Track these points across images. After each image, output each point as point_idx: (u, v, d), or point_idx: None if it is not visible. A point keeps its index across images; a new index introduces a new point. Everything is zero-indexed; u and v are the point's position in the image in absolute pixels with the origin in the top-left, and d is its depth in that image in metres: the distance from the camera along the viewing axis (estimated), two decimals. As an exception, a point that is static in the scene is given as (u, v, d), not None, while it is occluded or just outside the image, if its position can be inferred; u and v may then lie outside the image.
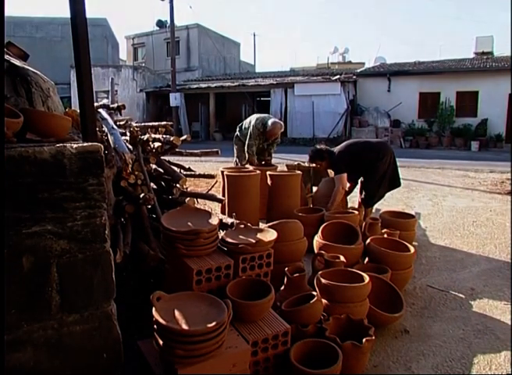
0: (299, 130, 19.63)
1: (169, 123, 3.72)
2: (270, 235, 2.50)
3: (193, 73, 28.75)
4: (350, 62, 31.58)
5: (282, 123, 5.68)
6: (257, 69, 35.88)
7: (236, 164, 5.79)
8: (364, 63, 28.21)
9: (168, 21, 22.36)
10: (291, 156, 12.53)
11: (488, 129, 16.99)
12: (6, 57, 2.45)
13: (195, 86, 22.98)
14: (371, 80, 19.56)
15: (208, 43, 29.50)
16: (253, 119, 5.62)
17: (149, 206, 2.94)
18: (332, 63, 31.22)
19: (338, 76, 19.31)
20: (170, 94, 21.16)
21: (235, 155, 5.87)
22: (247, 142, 5.49)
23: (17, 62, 2.41)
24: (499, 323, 2.68)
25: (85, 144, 1.71)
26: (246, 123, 5.71)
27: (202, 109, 23.09)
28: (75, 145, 1.67)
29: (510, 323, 2.69)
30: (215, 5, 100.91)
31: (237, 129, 5.84)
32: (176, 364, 1.75)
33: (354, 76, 19.59)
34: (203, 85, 22.82)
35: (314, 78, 20.21)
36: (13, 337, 1.63)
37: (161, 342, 1.79)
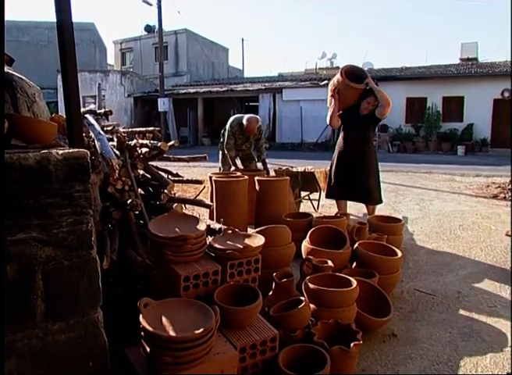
0: (287, 135, 19.73)
1: (157, 128, 3.71)
2: (258, 240, 2.50)
3: (182, 78, 28.74)
4: (338, 68, 31.49)
5: (257, 117, 5.70)
6: (246, 74, 35.99)
7: (220, 170, 5.81)
8: (351, 68, 28.37)
9: (157, 26, 22.35)
10: (280, 161, 12.58)
11: (473, 133, 17.24)
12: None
13: (183, 91, 22.97)
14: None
15: (196, 48, 29.53)
16: (229, 121, 5.68)
17: (136, 212, 2.92)
18: (320, 68, 31.34)
19: (326, 82, 19.40)
20: (158, 100, 21.11)
21: (219, 160, 5.90)
22: (224, 142, 5.56)
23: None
24: (485, 326, 2.71)
25: (71, 150, 1.70)
26: (224, 130, 5.77)
27: (190, 114, 23.09)
28: (61, 151, 1.66)
29: (496, 325, 2.72)
30: (204, 10, 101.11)
31: (221, 135, 5.87)
32: (163, 371, 1.74)
33: (342, 82, 19.73)
34: (191, 90, 22.83)
35: (303, 83, 20.34)
36: (-3, 346, 1.60)
37: (148, 349, 1.78)
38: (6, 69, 2.50)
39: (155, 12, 20.68)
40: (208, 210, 4.55)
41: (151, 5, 20.43)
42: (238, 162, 5.90)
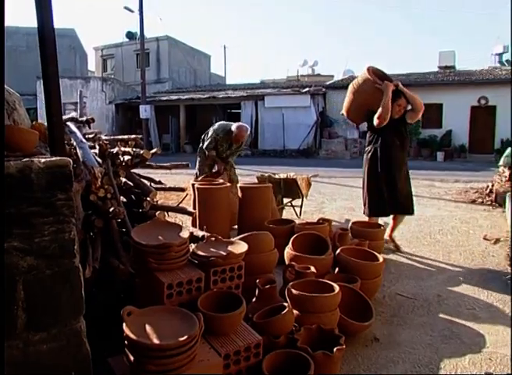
0: (269, 141, 19.82)
1: (139, 136, 3.71)
2: (241, 247, 2.52)
3: (164, 84, 28.67)
4: (319, 75, 32.06)
5: (247, 126, 5.72)
6: (228, 81, 36.07)
7: (196, 176, 5.70)
8: (333, 76, 28.71)
9: (138, 32, 22.28)
10: (262, 168, 12.63)
11: (452, 140, 17.61)
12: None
13: (165, 98, 22.92)
14: (340, 93, 19.89)
15: (178, 55, 29.52)
16: (211, 130, 5.65)
17: (119, 220, 2.91)
18: (301, 76, 31.64)
19: (308, 89, 19.64)
20: (140, 106, 21.01)
21: (196, 167, 5.81)
22: (205, 145, 5.53)
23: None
24: (464, 328, 2.77)
25: (53, 158, 1.70)
26: (206, 134, 5.72)
27: (172, 121, 23.02)
28: (43, 160, 1.66)
29: (474, 327, 2.78)
30: (186, 17, 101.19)
31: (201, 144, 5.80)
32: (147, 380, 1.73)
33: (324, 89, 19.99)
34: (173, 97, 22.78)
35: (284, 90, 20.50)
36: (-23, 358, 1.58)
37: (132, 358, 1.77)
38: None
39: (137, 19, 20.63)
40: (191, 217, 4.55)
41: (132, 11, 20.39)
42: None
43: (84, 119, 3.50)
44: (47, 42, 2.11)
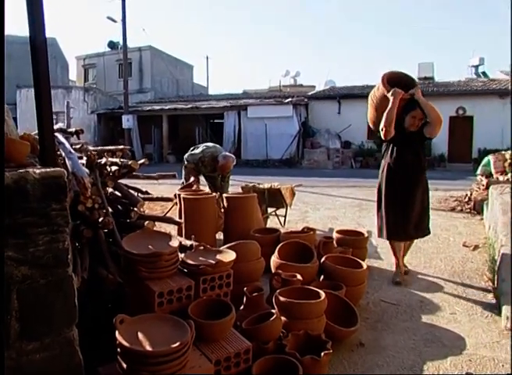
0: (252, 151, 19.92)
1: (127, 147, 3.75)
2: (229, 256, 2.57)
3: (146, 94, 28.64)
4: (301, 85, 32.44)
5: (233, 156, 5.82)
6: (210, 91, 36.22)
7: (183, 184, 5.80)
8: (314, 86, 29.09)
9: (121, 42, 22.28)
10: (245, 178, 12.67)
11: (432, 149, 17.96)
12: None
13: (148, 108, 22.89)
14: (321, 103, 20.28)
15: (160, 65, 29.54)
16: (203, 146, 5.77)
17: (107, 230, 2.93)
18: (283, 86, 31.95)
19: (290, 99, 19.85)
20: (123, 116, 20.95)
21: (183, 177, 5.89)
22: (187, 156, 5.69)
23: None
24: (445, 332, 2.86)
25: (48, 169, 1.73)
26: (197, 148, 5.83)
27: (155, 131, 22.97)
28: (38, 171, 1.69)
29: (455, 331, 2.88)
30: (168, 27, 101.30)
31: (188, 152, 5.90)
32: (140, 386, 1.76)
33: (306, 99, 20.25)
34: (156, 107, 22.76)
35: (267, 101, 20.67)
36: (-30, 368, 1.59)
37: (124, 365, 1.81)
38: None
39: (119, 28, 20.65)
40: (176, 227, 4.58)
41: (115, 21, 20.41)
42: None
43: (73, 130, 3.52)
44: (39, 56, 2.14)
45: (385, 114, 3.64)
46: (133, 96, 25.34)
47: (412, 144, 3.78)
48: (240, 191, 5.98)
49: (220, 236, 4.74)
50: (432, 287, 3.73)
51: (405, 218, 3.78)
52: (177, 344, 1.79)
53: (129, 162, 3.15)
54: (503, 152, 7.62)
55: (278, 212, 6.17)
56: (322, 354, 2.20)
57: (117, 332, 1.84)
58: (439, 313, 3.17)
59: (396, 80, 3.78)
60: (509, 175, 6.77)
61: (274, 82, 34.24)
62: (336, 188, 11.16)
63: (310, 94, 21.63)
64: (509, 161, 7.05)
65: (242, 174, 14.13)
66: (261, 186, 6.19)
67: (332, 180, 13.14)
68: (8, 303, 1.65)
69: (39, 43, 2.14)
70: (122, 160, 3.29)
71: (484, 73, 26.43)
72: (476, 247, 4.80)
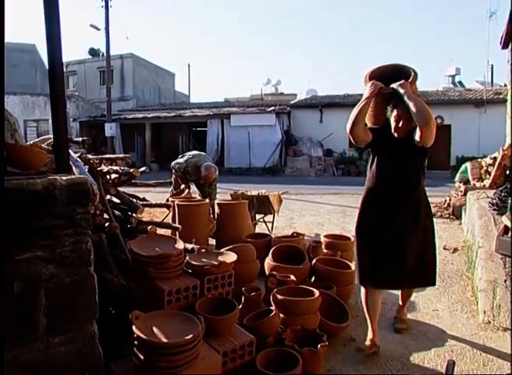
0: (236, 160, 20.10)
1: (128, 155, 3.90)
2: (230, 257, 2.75)
3: (128, 102, 28.60)
4: (282, 94, 32.85)
5: (216, 166, 6.02)
6: (192, 99, 36.33)
7: (172, 193, 5.99)
8: (296, 95, 29.49)
9: (102, 49, 22.30)
10: (229, 186, 12.83)
11: (410, 157, 18.45)
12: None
13: (131, 116, 22.89)
14: (304, 112, 20.64)
15: (142, 73, 29.57)
16: (188, 155, 5.99)
17: (115, 234, 3.07)
18: (265, 94, 32.31)
19: (273, 108, 20.13)
20: (105, 124, 20.91)
21: (172, 185, 6.09)
22: (174, 165, 5.91)
23: None
24: (429, 327, 3.10)
25: (74, 176, 1.90)
26: (183, 156, 6.04)
27: (138, 140, 22.99)
28: (64, 177, 1.85)
29: (438, 325, 3.12)
30: (149, 35, 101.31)
31: (175, 160, 6.11)
32: (156, 375, 1.92)
33: (288, 108, 20.57)
34: (139, 115, 22.79)
35: (250, 109, 20.92)
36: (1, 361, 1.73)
37: (142, 357, 1.96)
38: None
39: (100, 35, 20.74)
40: (170, 232, 4.73)
41: (98, 29, 20.44)
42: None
43: (80, 139, 3.66)
44: (56, 72, 2.30)
45: (353, 110, 2.77)
46: (114, 104, 25.29)
47: (402, 157, 2.76)
48: (229, 198, 6.16)
49: (211, 241, 4.91)
50: (415, 287, 3.96)
51: (393, 264, 2.76)
52: (190, 336, 1.95)
53: (131, 170, 3.31)
54: (480, 160, 7.98)
55: (265, 218, 6.37)
56: (319, 346, 2.39)
57: (134, 326, 2.00)
58: (423, 310, 3.41)
59: (393, 70, 2.88)
60: (485, 181, 7.12)
61: (255, 90, 34.61)
62: (320, 195, 11.42)
63: (292, 102, 21.99)
64: (485, 168, 7.40)
65: (226, 182, 14.29)
66: (249, 193, 6.38)
67: (315, 187, 13.40)
68: (37, 300, 1.80)
69: (56, 63, 2.30)
70: (123, 168, 3.44)
71: (460, 83, 27.31)
72: (455, 250, 5.07)
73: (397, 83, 2.69)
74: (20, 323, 1.76)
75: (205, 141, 20.91)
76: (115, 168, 3.44)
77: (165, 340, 1.94)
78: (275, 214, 6.33)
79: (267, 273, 3.49)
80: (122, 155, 3.76)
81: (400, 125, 2.74)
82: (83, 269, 1.91)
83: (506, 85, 14.85)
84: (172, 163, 5.97)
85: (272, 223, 6.35)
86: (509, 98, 8.93)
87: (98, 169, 3.36)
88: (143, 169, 3.57)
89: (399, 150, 2.79)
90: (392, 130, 2.79)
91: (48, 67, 2.29)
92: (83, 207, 1.89)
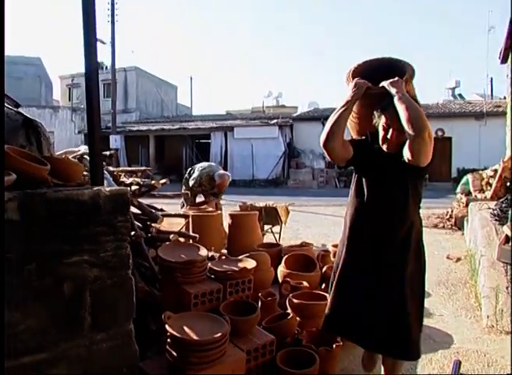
0: (239, 172, 20.32)
1: (148, 167, 4.10)
2: (250, 264, 2.94)
3: (131, 114, 28.97)
4: (283, 106, 33.19)
5: (228, 173, 6.23)
6: (194, 112, 36.72)
7: (183, 205, 6.17)
8: (297, 107, 29.83)
9: (105, 62, 22.68)
10: (233, 197, 13.02)
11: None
12: (14, 107, 2.76)
13: (135, 128, 23.23)
14: (306, 124, 20.92)
15: (145, 85, 29.98)
16: (199, 167, 6.18)
17: (140, 241, 3.26)
18: (267, 107, 32.68)
19: (276, 121, 20.44)
20: (110, 137, 21.21)
21: (182, 197, 6.28)
22: (191, 184, 6.01)
23: (29, 115, 2.73)
24: (435, 330, 3.27)
25: (116, 187, 2.10)
26: (194, 168, 6.23)
27: (142, 152, 23.27)
28: (108, 188, 2.05)
29: (443, 329, 3.29)
30: (152, 48, 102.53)
31: (187, 172, 6.31)
32: (189, 371, 2.10)
33: (291, 121, 20.86)
34: (143, 128, 23.12)
35: (253, 122, 21.25)
36: (52, 355, 1.90)
37: (175, 354, 2.14)
38: (30, 116, 2.84)
39: (103, 49, 21.09)
40: (183, 241, 4.92)
41: (104, 43, 20.86)
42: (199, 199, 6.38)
43: (107, 153, 3.87)
44: (92, 88, 2.50)
45: (330, 118, 2.24)
46: (118, 116, 25.60)
47: (388, 180, 2.17)
48: (237, 209, 6.35)
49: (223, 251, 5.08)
50: (420, 294, 4.13)
51: (363, 320, 2.18)
52: (219, 334, 2.13)
53: (153, 182, 3.51)
54: (481, 172, 8.19)
55: (273, 229, 6.55)
56: (334, 345, 2.56)
57: (167, 326, 2.18)
58: (429, 315, 3.57)
59: (384, 65, 2.32)
60: (486, 193, 7.31)
61: (256, 103, 34.94)
62: (323, 207, 11.62)
63: (294, 115, 22.32)
64: (486, 180, 7.60)
65: (229, 194, 14.46)
66: (257, 205, 6.58)
67: (318, 199, 13.61)
68: (83, 300, 1.99)
69: (93, 80, 2.51)
70: (143, 180, 3.64)
71: (460, 95, 27.70)
72: (459, 259, 5.25)
73: (388, 80, 2.10)
74: (69, 321, 1.94)
75: (209, 153, 21.19)
76: (136, 180, 3.63)
77: (196, 338, 2.11)
78: (283, 225, 6.51)
79: (280, 280, 3.67)
80: (143, 168, 3.97)
81: (390, 136, 2.11)
82: (123, 273, 2.10)
83: (505, 98, 15.13)
84: (191, 182, 6.10)
85: (280, 233, 6.53)
86: (508, 110, 9.18)
87: (121, 180, 3.55)
88: (163, 181, 3.77)
89: (385, 169, 2.16)
90: (380, 142, 2.18)
91: (85, 87, 2.50)
92: (123, 215, 2.08)
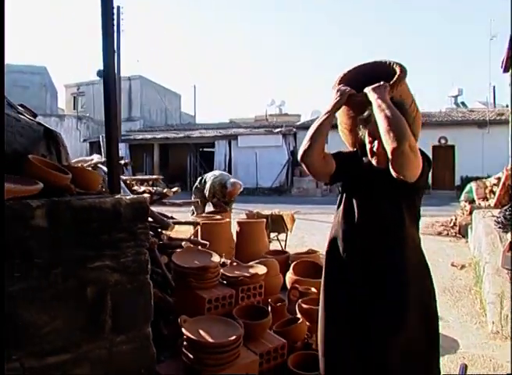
0: (243, 180, 20.17)
1: (160, 176, 4.20)
2: (261, 269, 3.02)
3: (135, 123, 29.21)
4: (286, 114, 33.35)
5: (241, 182, 6.35)
6: (197, 120, 36.94)
7: (193, 213, 6.28)
8: (300, 115, 29.98)
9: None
10: (237, 205, 13.11)
11: (416, 177, 18.77)
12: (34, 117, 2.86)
13: (140, 137, 23.42)
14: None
15: (149, 94, 30.25)
16: (211, 176, 6.28)
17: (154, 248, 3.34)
18: (270, 115, 32.86)
19: (279, 129, 20.60)
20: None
21: (195, 208, 6.39)
22: (207, 195, 6.12)
23: (49, 126, 2.83)
24: (441, 336, 3.30)
25: (135, 196, 2.19)
26: (206, 176, 6.35)
27: (147, 160, 23.44)
28: (128, 197, 2.14)
29: (449, 335, 3.35)
30: (156, 57, 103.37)
31: (197, 181, 6.43)
32: (205, 372, 2.18)
33: (294, 129, 21.00)
34: (148, 136, 23.31)
35: (257, 131, 21.42)
36: (76, 355, 1.99)
37: (191, 356, 2.22)
38: (58, 124, 2.95)
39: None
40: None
41: (110, 54, 21.08)
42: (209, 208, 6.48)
43: (122, 162, 3.97)
44: (111, 99, 2.60)
45: (309, 129, 2.05)
46: (122, 124, 25.84)
47: (375, 199, 1.93)
48: (243, 217, 6.45)
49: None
50: (426, 300, 4.20)
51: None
52: (234, 337, 2.22)
53: (165, 190, 3.60)
54: (484, 180, 8.27)
55: (279, 236, 6.64)
56: (344, 350, 2.63)
57: (183, 329, 2.27)
58: (435, 321, 3.64)
59: (370, 79, 2.00)
60: (490, 201, 7.39)
61: (259, 111, 35.14)
62: (327, 215, 11.64)
63: (298, 124, 22.45)
64: (489, 188, 7.68)
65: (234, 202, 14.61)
66: (264, 213, 6.67)
67: (322, 207, 13.68)
68: (104, 303, 2.07)
69: (111, 90, 2.61)
70: (155, 188, 3.74)
71: (463, 103, 27.84)
72: (463, 266, 5.32)
73: (371, 86, 1.89)
74: (91, 323, 2.03)
75: (213, 162, 21.33)
76: (148, 188, 3.73)
77: (212, 340, 2.20)
78: (289, 232, 6.60)
79: (289, 287, 3.75)
80: (155, 176, 4.07)
81: (376, 148, 1.88)
82: (142, 277, 2.18)
83: (508, 106, 15.23)
84: (206, 193, 6.20)
85: (285, 241, 6.62)
86: (510, 119, 9.27)
87: (134, 188, 3.65)
88: (175, 189, 3.87)
89: (374, 186, 1.92)
90: (369, 156, 1.97)
91: (103, 98, 2.60)
92: (142, 223, 2.17)
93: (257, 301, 2.94)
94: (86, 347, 2.03)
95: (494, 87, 24.37)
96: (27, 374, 1.80)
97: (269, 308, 3.14)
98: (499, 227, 5.17)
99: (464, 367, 2.64)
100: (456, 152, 19.01)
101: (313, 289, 3.48)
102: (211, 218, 5.14)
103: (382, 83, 1.89)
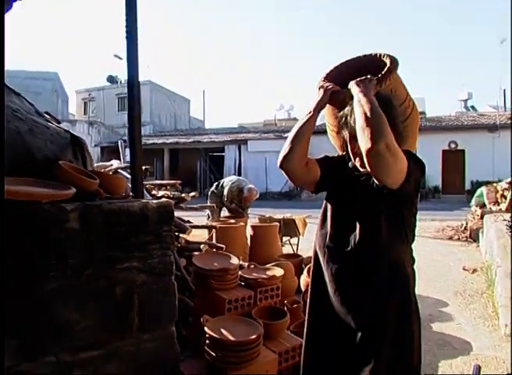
0: (253, 184, 20.45)
1: (178, 181, 4.32)
2: (278, 271, 3.11)
3: (145, 128, 29.42)
4: (295, 119, 33.35)
5: (257, 189, 6.47)
6: (207, 125, 37.16)
7: (209, 217, 6.43)
8: (308, 120, 29.93)
9: (119, 76, 23.22)
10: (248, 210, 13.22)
11: (426, 182, 18.76)
12: (62, 126, 2.98)
13: (150, 142, 23.63)
14: (318, 137, 20.80)
15: (159, 99, 30.51)
16: (228, 181, 6.40)
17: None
18: (279, 120, 32.97)
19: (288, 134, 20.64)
20: (127, 150, 21.57)
21: (212, 212, 6.52)
22: (225, 201, 6.24)
23: (75, 133, 2.95)
24: (454, 338, 3.40)
25: (161, 200, 2.29)
26: (223, 182, 6.46)
27: (157, 164, 23.65)
28: (155, 201, 2.25)
29: (462, 337, 3.41)
30: (166, 62, 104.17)
31: (214, 186, 6.56)
32: (227, 370, 2.27)
33: (303, 134, 21.05)
34: (158, 141, 23.52)
35: (266, 135, 21.52)
36: (106, 351, 2.09)
37: (213, 354, 2.31)
38: (69, 129, 3.07)
39: (116, 63, 21.69)
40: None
41: (121, 58, 21.39)
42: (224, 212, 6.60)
43: (143, 168, 4.08)
44: (135, 105, 2.72)
45: (290, 132, 1.88)
46: (133, 129, 26.10)
47: (358, 210, 1.70)
48: (256, 221, 6.54)
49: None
50: (437, 304, 4.26)
51: None
52: (255, 336, 2.31)
53: (183, 195, 3.71)
54: (495, 184, 8.29)
55: (291, 240, 6.72)
56: (360, 350, 2.71)
57: (206, 328, 2.36)
58: (447, 324, 3.71)
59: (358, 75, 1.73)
60: (501, 205, 7.41)
61: (268, 115, 35.24)
62: (338, 219, 11.72)
63: (307, 128, 22.49)
64: (500, 192, 7.71)
65: (244, 206, 14.73)
66: (276, 217, 6.76)
67: (332, 211, 13.70)
68: (132, 302, 2.17)
69: (135, 97, 2.73)
70: (173, 193, 3.85)
71: (473, 107, 27.75)
72: (475, 270, 5.36)
73: (355, 80, 1.65)
74: (119, 321, 2.13)
75: (222, 166, 21.47)
76: (167, 193, 3.84)
77: (234, 339, 2.29)
78: (301, 236, 6.68)
79: (303, 289, 3.83)
80: (173, 181, 4.18)
81: (357, 149, 1.63)
82: (167, 278, 2.28)
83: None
84: (212, 192, 6.34)
85: (297, 245, 6.69)
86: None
87: (153, 192, 3.76)
88: (193, 193, 3.97)
89: (358, 194, 1.71)
90: (352, 159, 1.77)
91: (128, 105, 2.72)
92: (168, 226, 2.28)
93: (274, 302, 3.02)
94: (115, 344, 2.13)
95: (504, 90, 24.30)
96: (63, 367, 1.90)
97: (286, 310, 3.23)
98: (511, 231, 5.21)
99: (478, 368, 2.70)
100: (467, 156, 18.97)
101: (327, 291, 3.56)
102: (227, 222, 5.23)
103: (367, 76, 1.66)
